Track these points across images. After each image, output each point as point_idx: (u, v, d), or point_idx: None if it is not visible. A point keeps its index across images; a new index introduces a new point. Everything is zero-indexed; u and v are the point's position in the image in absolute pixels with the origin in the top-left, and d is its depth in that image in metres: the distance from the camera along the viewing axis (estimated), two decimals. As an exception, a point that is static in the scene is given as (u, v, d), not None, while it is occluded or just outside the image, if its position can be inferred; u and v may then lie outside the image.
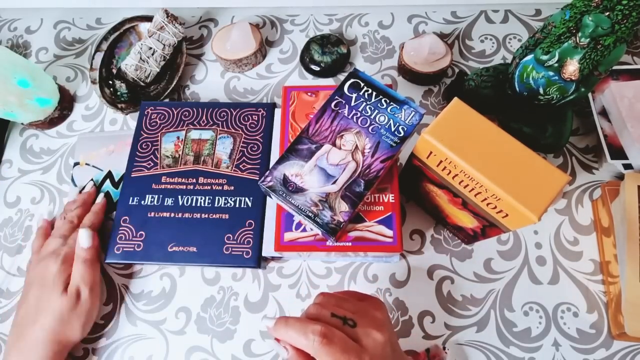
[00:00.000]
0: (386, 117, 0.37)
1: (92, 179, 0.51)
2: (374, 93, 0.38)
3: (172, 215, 0.44)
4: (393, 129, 0.36)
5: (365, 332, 0.27)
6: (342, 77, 0.56)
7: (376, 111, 0.37)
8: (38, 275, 0.41)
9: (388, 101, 0.37)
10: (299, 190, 0.35)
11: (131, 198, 0.45)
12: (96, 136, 0.54)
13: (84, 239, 0.42)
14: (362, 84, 0.38)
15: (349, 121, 0.37)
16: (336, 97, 0.38)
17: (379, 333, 0.27)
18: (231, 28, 0.55)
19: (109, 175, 0.51)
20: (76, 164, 0.52)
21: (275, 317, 0.29)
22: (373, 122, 0.37)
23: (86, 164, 0.52)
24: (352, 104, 0.38)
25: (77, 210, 0.46)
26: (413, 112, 0.37)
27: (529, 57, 0.41)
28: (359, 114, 0.37)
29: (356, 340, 0.27)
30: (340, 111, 0.37)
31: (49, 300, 0.40)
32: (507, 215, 0.32)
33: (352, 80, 0.38)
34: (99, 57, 0.55)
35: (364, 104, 0.38)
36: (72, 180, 0.51)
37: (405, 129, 0.36)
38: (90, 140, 0.53)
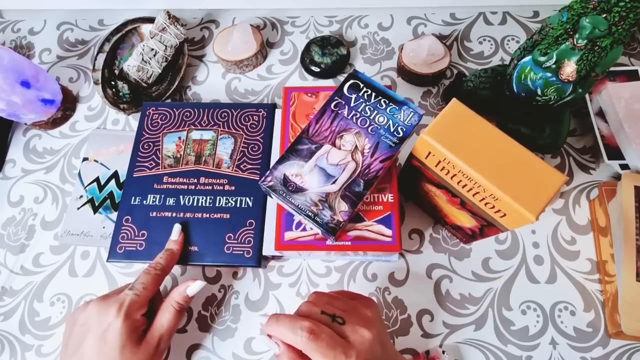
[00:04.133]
0: (385, 118, 0.37)
1: (96, 178, 0.51)
2: (374, 94, 0.38)
3: (174, 214, 0.44)
4: (392, 130, 0.37)
5: (353, 329, 0.28)
6: (341, 78, 0.56)
7: (375, 112, 0.38)
8: None
9: (387, 102, 0.38)
10: (299, 190, 0.36)
11: (133, 198, 0.45)
12: (108, 134, 0.54)
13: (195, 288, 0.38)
14: (361, 85, 0.39)
15: (348, 122, 0.37)
16: (336, 97, 0.38)
17: (366, 330, 0.28)
18: (232, 29, 0.56)
19: (115, 175, 0.51)
20: (85, 159, 0.52)
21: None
22: (372, 123, 0.37)
23: (95, 160, 0.52)
24: (352, 104, 0.38)
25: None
26: (412, 113, 0.37)
27: (527, 58, 0.41)
28: (358, 115, 0.38)
29: (344, 337, 0.28)
30: (340, 112, 0.38)
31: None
32: (505, 215, 0.32)
33: (351, 81, 0.39)
34: (102, 58, 0.56)
35: (364, 104, 0.38)
36: (79, 175, 0.52)
37: (404, 129, 0.37)
38: (101, 137, 0.54)
